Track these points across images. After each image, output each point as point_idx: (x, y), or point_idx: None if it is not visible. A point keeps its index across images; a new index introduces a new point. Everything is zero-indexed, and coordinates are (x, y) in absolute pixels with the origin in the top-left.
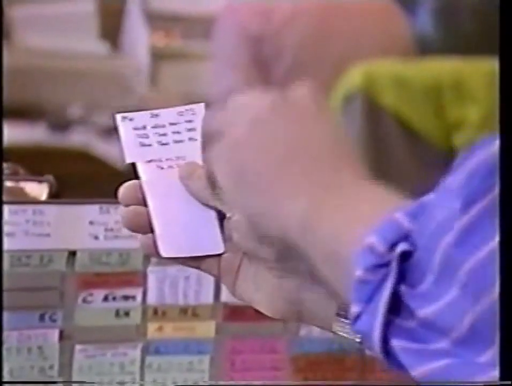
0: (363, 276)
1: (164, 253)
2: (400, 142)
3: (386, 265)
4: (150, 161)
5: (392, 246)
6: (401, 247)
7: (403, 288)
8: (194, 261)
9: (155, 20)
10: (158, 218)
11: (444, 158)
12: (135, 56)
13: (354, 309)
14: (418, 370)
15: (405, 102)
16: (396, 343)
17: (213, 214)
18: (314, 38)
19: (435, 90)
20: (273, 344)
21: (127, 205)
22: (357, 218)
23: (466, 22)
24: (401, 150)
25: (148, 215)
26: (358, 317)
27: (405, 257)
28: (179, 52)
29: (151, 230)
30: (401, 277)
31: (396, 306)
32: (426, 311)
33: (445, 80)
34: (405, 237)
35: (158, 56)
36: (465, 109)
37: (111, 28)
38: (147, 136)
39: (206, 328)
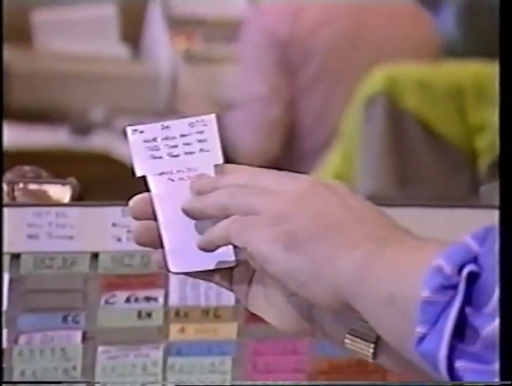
0: (430, 297)
1: (173, 268)
2: (422, 145)
3: (453, 287)
4: (161, 174)
5: (460, 268)
6: (469, 268)
7: (469, 309)
8: (206, 275)
9: (177, 23)
10: (168, 232)
11: (466, 161)
12: (156, 59)
13: (420, 330)
14: None
15: (427, 105)
16: (460, 364)
17: None
18: (341, 42)
19: (457, 93)
20: (295, 346)
21: (137, 219)
22: (413, 264)
23: (489, 25)
24: (423, 153)
25: (158, 229)
26: (422, 338)
27: (473, 278)
28: (201, 56)
29: (162, 245)
30: (468, 299)
31: (461, 328)
32: (489, 328)
33: (467, 83)
34: (473, 259)
35: (179, 60)
36: (487, 111)
37: (133, 31)
38: (157, 149)
39: (228, 330)
